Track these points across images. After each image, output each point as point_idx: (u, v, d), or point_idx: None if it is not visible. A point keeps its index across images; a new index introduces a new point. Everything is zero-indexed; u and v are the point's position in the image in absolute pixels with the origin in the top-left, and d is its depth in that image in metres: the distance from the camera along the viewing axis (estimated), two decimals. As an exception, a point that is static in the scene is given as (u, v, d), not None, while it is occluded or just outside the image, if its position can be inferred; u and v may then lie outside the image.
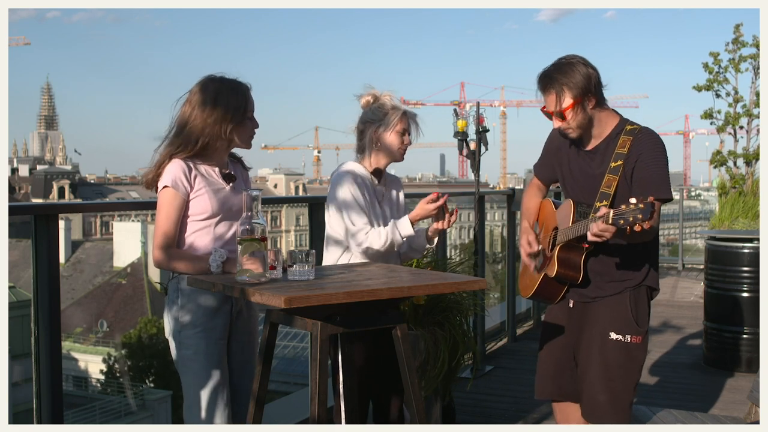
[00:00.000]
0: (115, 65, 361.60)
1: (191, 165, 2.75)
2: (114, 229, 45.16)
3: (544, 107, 2.89)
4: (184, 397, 2.77)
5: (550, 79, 2.84)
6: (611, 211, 2.56)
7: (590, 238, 2.66)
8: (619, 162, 2.84)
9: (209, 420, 2.71)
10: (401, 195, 3.31)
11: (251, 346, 2.89)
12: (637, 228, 2.51)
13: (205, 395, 2.71)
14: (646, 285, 3.00)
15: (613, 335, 2.93)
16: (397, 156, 3.16)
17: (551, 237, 3.02)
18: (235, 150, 2.93)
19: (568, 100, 2.81)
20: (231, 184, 2.82)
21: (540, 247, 3.05)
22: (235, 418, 2.84)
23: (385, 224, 3.11)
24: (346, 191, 3.05)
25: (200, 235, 2.76)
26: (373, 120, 3.15)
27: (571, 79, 2.81)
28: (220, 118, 2.73)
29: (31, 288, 3.03)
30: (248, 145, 2.88)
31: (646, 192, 2.71)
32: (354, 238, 3.05)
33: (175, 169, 2.72)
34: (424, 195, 3.09)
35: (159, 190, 2.74)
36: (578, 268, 2.93)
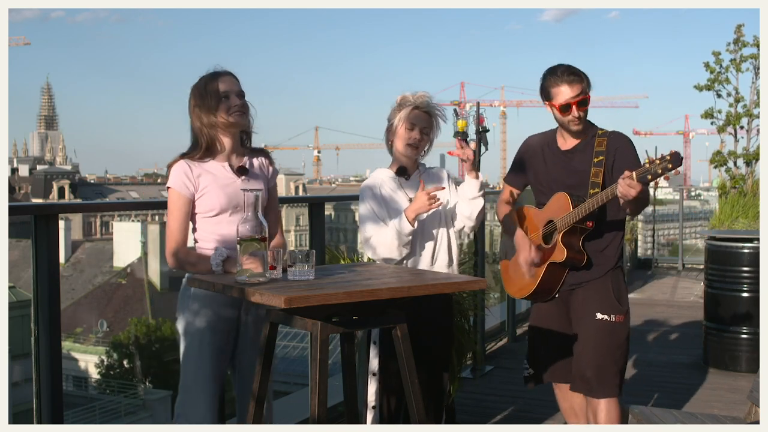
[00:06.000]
0: (117, 65, 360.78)
1: (194, 165, 2.81)
2: (114, 229, 45.18)
3: (562, 100, 3.13)
4: (180, 381, 2.85)
5: (577, 73, 3.15)
6: (634, 172, 2.84)
7: (620, 192, 2.88)
8: (601, 158, 3.17)
9: (197, 401, 2.78)
10: (445, 186, 3.28)
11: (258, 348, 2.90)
12: (666, 178, 2.82)
13: (199, 381, 2.78)
14: (620, 266, 3.29)
15: (599, 315, 3.18)
16: (407, 152, 3.22)
17: (542, 231, 3.26)
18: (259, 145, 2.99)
19: (587, 93, 3.17)
20: (243, 177, 2.84)
21: (535, 249, 3.25)
22: (240, 418, 2.89)
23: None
24: (361, 207, 3.22)
25: (212, 232, 2.80)
26: (387, 126, 3.27)
27: (588, 80, 3.18)
28: (202, 113, 2.79)
29: (31, 288, 3.04)
30: (237, 121, 2.81)
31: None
32: (366, 245, 3.19)
33: (177, 171, 2.80)
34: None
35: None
36: (581, 250, 3.18)
